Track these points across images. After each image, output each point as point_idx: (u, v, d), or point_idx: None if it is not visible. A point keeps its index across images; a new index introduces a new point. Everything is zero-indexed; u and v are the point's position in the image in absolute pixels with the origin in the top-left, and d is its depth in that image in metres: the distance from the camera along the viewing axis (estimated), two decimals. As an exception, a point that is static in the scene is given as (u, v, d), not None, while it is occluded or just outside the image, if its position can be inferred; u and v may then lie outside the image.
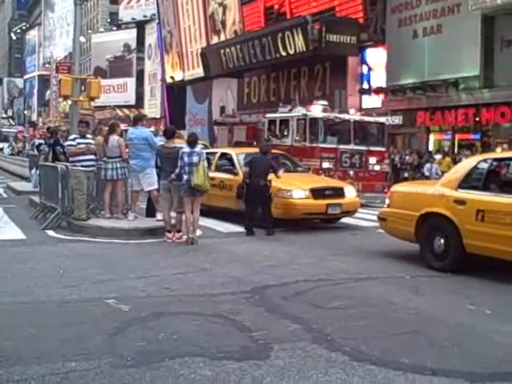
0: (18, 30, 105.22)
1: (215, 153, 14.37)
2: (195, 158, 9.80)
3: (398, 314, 5.97)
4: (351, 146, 17.51)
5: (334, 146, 17.41)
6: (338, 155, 17.29)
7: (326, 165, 17.11)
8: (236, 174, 12.75)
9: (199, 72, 41.48)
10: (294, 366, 4.45)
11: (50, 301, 6.22)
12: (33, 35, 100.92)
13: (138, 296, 6.45)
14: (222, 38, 39.77)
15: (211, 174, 11.39)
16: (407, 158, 23.62)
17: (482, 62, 22.51)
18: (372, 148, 17.86)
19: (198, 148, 10.12)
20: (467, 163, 8.82)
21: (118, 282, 7.06)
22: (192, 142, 10.12)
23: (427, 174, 21.58)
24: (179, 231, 10.16)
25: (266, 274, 7.61)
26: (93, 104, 23.57)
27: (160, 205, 10.73)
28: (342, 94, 26.73)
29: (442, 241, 8.11)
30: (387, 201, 9.52)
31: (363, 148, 17.64)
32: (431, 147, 25.60)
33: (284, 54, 29.12)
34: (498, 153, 11.04)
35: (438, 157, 22.56)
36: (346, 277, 7.61)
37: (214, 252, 9.29)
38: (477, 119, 22.51)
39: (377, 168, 17.99)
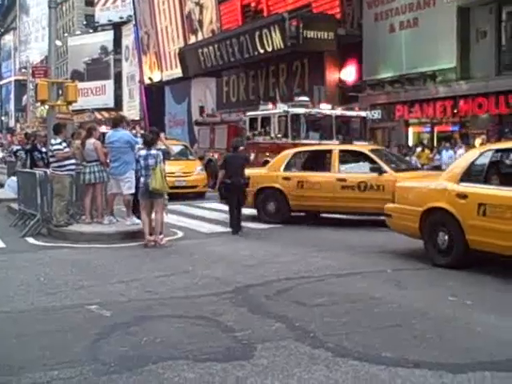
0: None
1: (328, 151, 12.99)
2: (151, 161, 9.78)
3: (381, 308, 6.00)
4: (334, 141, 17.33)
5: (316, 141, 17.30)
6: None
7: None
8: (383, 171, 11.59)
9: (177, 72, 41.35)
10: (277, 365, 4.46)
11: (30, 309, 6.17)
12: (8, 40, 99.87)
13: (120, 301, 6.41)
14: (200, 37, 39.69)
15: (340, 175, 11.87)
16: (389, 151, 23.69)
17: (458, 53, 22.68)
18: (355, 142, 17.59)
19: (154, 150, 9.97)
20: (470, 155, 8.45)
21: (99, 288, 7.01)
22: (148, 143, 10.03)
23: (407, 167, 21.69)
24: (160, 233, 10.11)
25: (249, 274, 7.61)
26: (71, 108, 23.36)
27: (141, 208, 10.67)
28: (321, 90, 26.78)
29: (446, 237, 7.89)
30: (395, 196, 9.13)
31: (345, 142, 17.50)
32: (411, 140, 25.75)
33: (262, 51, 29.10)
34: (502, 143, 10.75)
35: (418, 149, 22.69)
36: (328, 273, 7.62)
37: (195, 253, 9.27)
38: (455, 111, 22.67)
39: None
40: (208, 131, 23.39)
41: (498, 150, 8.17)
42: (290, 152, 13.42)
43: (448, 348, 4.83)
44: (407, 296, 6.49)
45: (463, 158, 8.83)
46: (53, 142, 11.47)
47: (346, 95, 26.67)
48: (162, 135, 11.22)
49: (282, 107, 18.35)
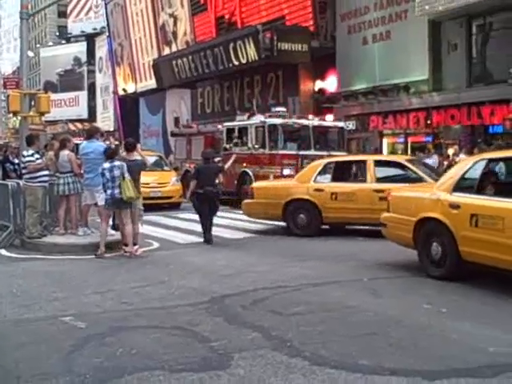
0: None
1: (362, 161, 12.60)
2: (117, 172, 9.83)
3: (357, 316, 6.03)
4: (312, 152, 17.41)
5: (294, 152, 17.38)
6: (298, 161, 17.14)
7: (286, 171, 16.96)
8: (424, 182, 11.03)
9: (152, 83, 41.28)
10: (254, 375, 4.44)
11: (3, 321, 6.07)
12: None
13: (95, 312, 6.35)
14: (174, 48, 39.69)
15: (378, 186, 11.38)
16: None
17: (430, 66, 23.00)
18: (333, 153, 17.60)
19: (117, 162, 10.01)
20: (463, 164, 8.27)
21: (74, 299, 6.93)
22: (109, 156, 10.11)
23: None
24: (135, 244, 10.05)
25: (225, 284, 7.59)
26: (44, 119, 23.21)
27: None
28: (296, 101, 26.94)
29: (439, 248, 7.71)
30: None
31: (324, 153, 17.28)
32: (385, 151, 25.98)
33: (236, 63, 29.21)
34: (496, 152, 10.35)
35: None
36: (304, 282, 7.63)
37: (171, 264, 9.22)
38: (428, 122, 22.96)
39: None
40: (184, 142, 23.26)
41: (491, 160, 8.03)
42: (320, 162, 13.07)
43: (423, 355, 4.86)
44: (383, 304, 6.53)
45: (457, 167, 8.54)
46: (25, 153, 11.35)
47: (320, 107, 26.86)
48: (138, 146, 11.18)
49: (259, 118, 18.37)
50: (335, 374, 4.42)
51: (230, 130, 19.59)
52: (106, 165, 9.97)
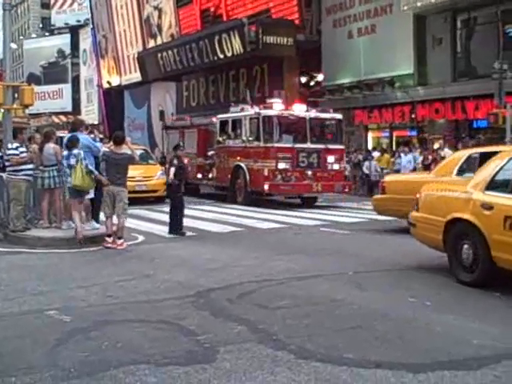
0: None
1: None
2: (73, 161, 10.02)
3: (342, 310, 6.05)
4: (308, 145, 17.01)
5: (289, 145, 16.89)
6: (294, 155, 16.79)
7: (282, 165, 16.63)
8: None
9: (136, 76, 41.06)
10: (240, 368, 4.44)
11: (-13, 315, 6.01)
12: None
13: (79, 306, 6.30)
14: (159, 41, 39.50)
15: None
16: (352, 156, 23.66)
17: (415, 60, 23.11)
18: (330, 146, 17.44)
19: (75, 150, 10.17)
20: (498, 160, 7.42)
21: (58, 293, 6.88)
22: (69, 146, 10.32)
23: (367, 171, 21.99)
24: (120, 238, 10.02)
25: (210, 277, 7.58)
26: (27, 112, 23.00)
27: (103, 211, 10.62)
28: (282, 95, 26.90)
29: (470, 251, 7.07)
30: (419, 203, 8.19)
31: (321, 146, 17.24)
32: (370, 145, 26.09)
33: (222, 56, 29.15)
34: None
35: (376, 154, 22.99)
36: (290, 276, 7.65)
37: (157, 257, 9.20)
38: (413, 116, 23.08)
39: (336, 167, 17.52)
40: (177, 135, 22.52)
41: None
42: (461, 155, 10.89)
43: (408, 348, 4.89)
44: (368, 298, 6.56)
45: (490, 162, 7.56)
46: (9, 146, 11.25)
47: (306, 100, 26.87)
48: (128, 140, 11.13)
49: (253, 109, 17.80)
50: (321, 368, 4.43)
51: (223, 123, 19.16)
52: (64, 153, 10.27)
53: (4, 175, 11.15)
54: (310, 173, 16.87)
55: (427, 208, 7.98)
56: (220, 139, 18.80)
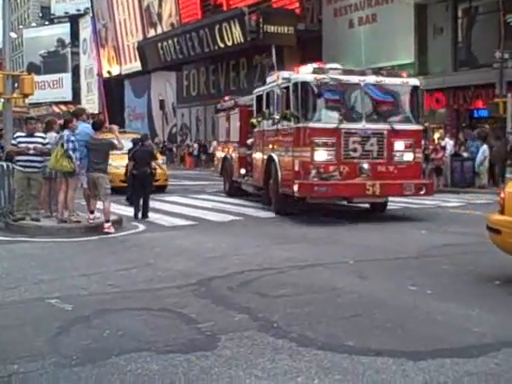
0: None
1: None
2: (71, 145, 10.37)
3: (343, 298, 6.06)
4: (363, 125, 11.62)
5: (333, 125, 11.46)
6: (340, 140, 11.47)
7: (320, 156, 11.45)
8: None
9: (137, 66, 41.03)
10: (241, 355, 4.46)
11: (-12, 304, 6.03)
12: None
13: (81, 294, 6.33)
14: (159, 30, 39.46)
15: None
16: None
17: (416, 49, 23.06)
18: (398, 126, 11.90)
19: (64, 132, 10.55)
20: None
21: (59, 282, 6.90)
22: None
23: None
24: (108, 221, 10.40)
25: (211, 266, 7.60)
26: (27, 101, 22.98)
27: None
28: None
29: None
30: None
31: (383, 127, 11.76)
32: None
33: (222, 45, 29.11)
34: None
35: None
36: (291, 265, 7.66)
37: (157, 246, 9.21)
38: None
39: (407, 157, 11.96)
40: (224, 120, 18.23)
41: None
42: None
43: (409, 336, 4.90)
44: (369, 286, 6.58)
45: None
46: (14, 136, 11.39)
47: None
48: (114, 127, 11.38)
49: (283, 74, 12.87)
50: (321, 355, 4.45)
51: (259, 99, 14.38)
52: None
53: (4, 165, 11.15)
54: (366, 166, 11.54)
55: None
56: (254, 121, 14.24)
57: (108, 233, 10.16)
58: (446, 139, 19.62)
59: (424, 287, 6.42)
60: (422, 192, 11.97)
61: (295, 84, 11.76)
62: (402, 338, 4.87)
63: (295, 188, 11.49)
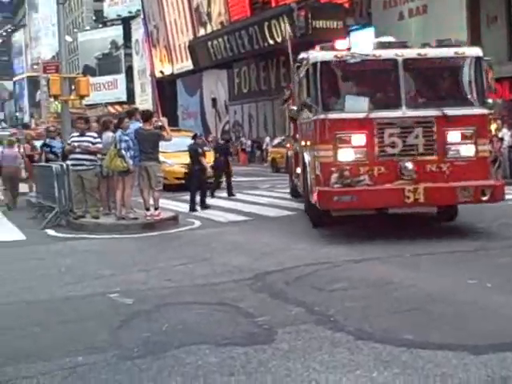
0: (4, 33, 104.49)
1: None
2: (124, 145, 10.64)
3: (399, 292, 6.00)
4: (403, 112, 8.83)
5: (362, 114, 8.79)
6: (373, 133, 8.78)
7: (346, 155, 8.82)
8: None
9: (188, 65, 41.46)
10: (299, 349, 4.48)
11: (52, 298, 6.24)
12: (19, 37, 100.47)
13: (140, 289, 6.47)
14: (209, 29, 39.74)
15: None
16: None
17: (469, 40, 22.48)
18: (452, 111, 8.88)
19: (114, 134, 11.02)
20: None
21: (119, 277, 7.08)
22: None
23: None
24: (156, 209, 10.73)
25: (267, 261, 7.64)
26: (84, 102, 23.57)
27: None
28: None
29: None
30: None
31: (432, 113, 8.89)
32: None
33: (271, 42, 29.09)
34: None
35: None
36: (346, 259, 7.61)
37: (213, 242, 9.31)
38: (468, 97, 22.52)
39: (467, 152, 8.98)
40: (285, 112, 15.97)
41: None
42: None
43: (469, 330, 4.83)
44: (426, 280, 6.49)
45: None
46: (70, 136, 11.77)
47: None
48: (163, 119, 11.88)
49: (303, 55, 10.50)
50: (380, 349, 4.42)
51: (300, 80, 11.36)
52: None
53: (64, 164, 11.47)
54: (409, 166, 8.77)
55: None
56: (292, 109, 11.28)
57: (156, 220, 10.57)
58: (504, 130, 19.12)
59: (483, 281, 6.29)
60: (484, 198, 8.84)
61: (314, 65, 9.19)
62: (462, 331, 4.80)
63: (314, 197, 9.34)
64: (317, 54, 9.41)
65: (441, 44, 9.56)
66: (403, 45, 9.60)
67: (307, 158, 10.19)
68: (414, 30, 24.45)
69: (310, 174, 9.94)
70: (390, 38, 9.99)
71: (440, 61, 9.33)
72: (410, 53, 9.21)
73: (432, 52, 9.33)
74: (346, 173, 8.78)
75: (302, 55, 10.11)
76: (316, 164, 9.20)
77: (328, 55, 9.19)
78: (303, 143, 10.90)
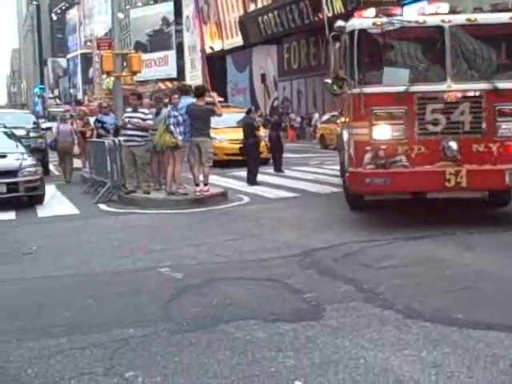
0: (58, 11, 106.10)
1: None
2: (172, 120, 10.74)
3: (451, 270, 5.91)
4: (447, 85, 7.93)
5: (401, 88, 7.93)
6: (413, 108, 7.91)
7: (382, 133, 8.00)
8: None
9: (238, 41, 41.27)
10: (347, 326, 4.48)
11: (105, 272, 6.39)
12: (73, 14, 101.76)
13: (190, 264, 6.56)
14: (259, 5, 39.40)
15: None
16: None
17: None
18: (504, 85, 7.92)
19: (164, 110, 11.30)
20: None
21: (169, 251, 7.18)
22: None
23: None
24: (206, 185, 10.84)
25: (315, 238, 7.62)
26: (135, 79, 23.77)
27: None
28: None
29: None
30: None
31: (480, 86, 7.94)
32: None
33: (322, 17, 28.63)
34: None
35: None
36: (397, 236, 7.50)
37: (262, 218, 9.33)
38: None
39: None
40: None
41: None
42: None
43: (522, 311, 4.73)
44: (477, 258, 6.38)
45: None
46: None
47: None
48: (214, 94, 11.88)
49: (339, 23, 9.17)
50: (429, 327, 4.38)
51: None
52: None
53: (117, 140, 11.64)
54: (453, 146, 7.87)
55: None
56: (334, 88, 9.31)
57: (206, 196, 10.72)
58: None
59: (537, 260, 6.16)
60: None
61: (351, 34, 8.34)
62: (514, 312, 4.71)
63: (347, 179, 8.86)
64: (353, 22, 8.53)
65: (495, 8, 8.41)
66: (452, 10, 8.41)
67: (345, 135, 9.38)
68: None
69: (346, 154, 9.29)
70: (444, 5, 8.56)
71: (493, 27, 8.24)
72: (459, 18, 8.19)
73: (484, 17, 8.26)
74: (380, 152, 7.98)
75: (339, 23, 9.03)
76: (350, 142, 8.53)
77: (366, 22, 8.24)
78: (342, 120, 10.31)
